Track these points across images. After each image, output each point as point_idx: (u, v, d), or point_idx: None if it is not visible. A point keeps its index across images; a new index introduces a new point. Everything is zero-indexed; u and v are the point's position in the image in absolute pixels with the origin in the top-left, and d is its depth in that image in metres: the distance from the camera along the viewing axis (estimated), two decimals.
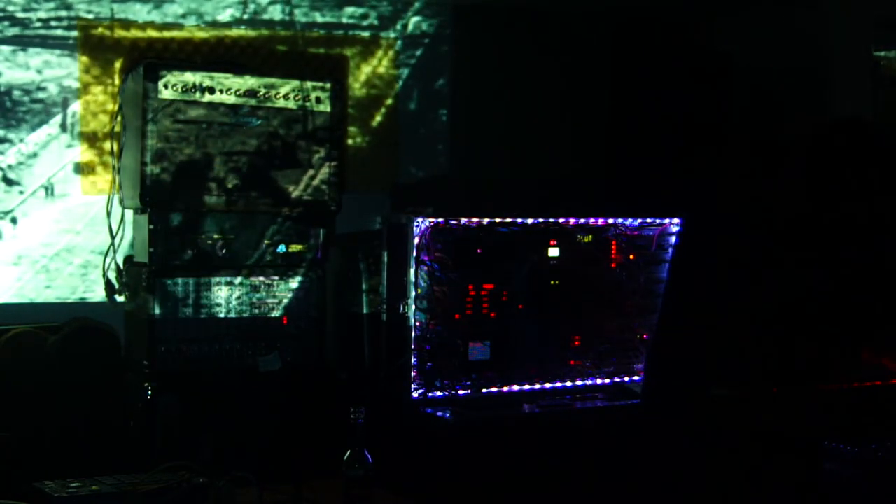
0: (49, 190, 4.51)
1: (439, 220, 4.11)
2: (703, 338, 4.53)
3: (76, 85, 4.52)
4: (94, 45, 4.55)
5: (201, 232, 4.13)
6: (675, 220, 4.57)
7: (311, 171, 4.26)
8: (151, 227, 4.05)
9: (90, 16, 4.54)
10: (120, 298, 4.31)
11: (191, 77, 4.08)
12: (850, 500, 3.87)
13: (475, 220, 4.20)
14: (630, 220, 4.52)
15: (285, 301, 4.23)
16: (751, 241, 4.76)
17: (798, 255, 4.53)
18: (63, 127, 4.51)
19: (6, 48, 4.42)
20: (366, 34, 5.10)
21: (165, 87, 4.03)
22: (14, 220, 4.42)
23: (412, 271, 4.07)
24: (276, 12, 4.90)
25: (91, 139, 4.53)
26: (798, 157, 4.45)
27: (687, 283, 4.57)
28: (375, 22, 5.12)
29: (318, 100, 4.29)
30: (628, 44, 5.40)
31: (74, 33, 4.52)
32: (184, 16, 4.71)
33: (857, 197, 4.28)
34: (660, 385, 4.35)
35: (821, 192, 4.55)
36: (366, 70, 5.11)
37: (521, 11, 5.33)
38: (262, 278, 4.19)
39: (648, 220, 4.55)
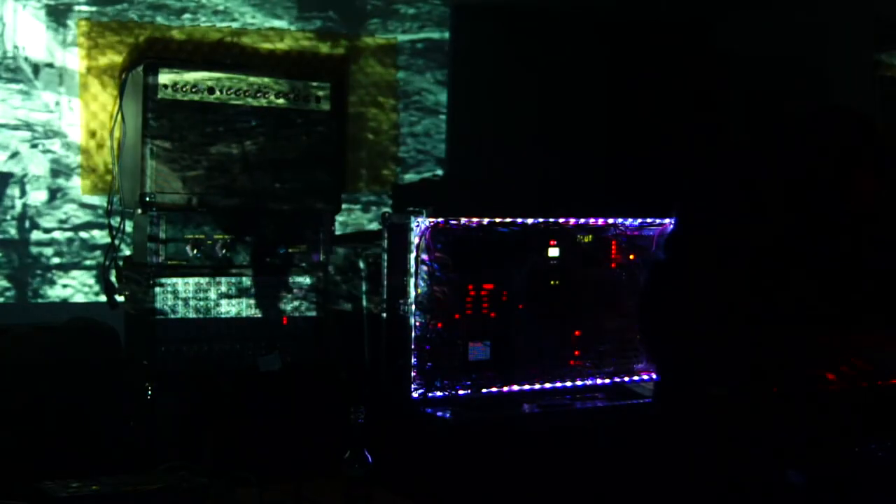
0: (49, 190, 4.52)
1: (439, 220, 4.11)
2: (703, 337, 4.52)
3: (76, 84, 4.52)
4: (95, 45, 4.55)
5: (201, 232, 4.13)
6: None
7: (311, 172, 4.27)
8: (151, 227, 4.06)
9: (90, 15, 4.54)
10: (120, 298, 4.31)
11: (191, 76, 4.08)
12: (851, 500, 3.87)
13: (475, 220, 4.20)
14: (630, 220, 4.52)
15: (285, 301, 4.23)
16: (750, 239, 4.75)
17: (798, 254, 4.52)
18: (63, 127, 4.52)
19: None
20: (367, 35, 5.11)
21: (165, 86, 4.04)
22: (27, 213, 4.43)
23: (412, 271, 4.07)
24: (277, 12, 4.90)
25: (91, 139, 4.53)
26: (793, 153, 4.43)
27: (686, 282, 4.56)
28: (376, 21, 5.12)
29: (318, 100, 4.29)
30: (628, 43, 5.39)
31: (74, 32, 4.52)
32: (184, 15, 4.71)
33: (860, 194, 4.26)
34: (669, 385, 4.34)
35: (819, 189, 4.53)
36: (367, 71, 5.11)
37: (521, 11, 5.33)
38: (262, 278, 4.19)
39: (648, 220, 4.55)
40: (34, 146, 4.48)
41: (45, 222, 4.50)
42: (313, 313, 4.27)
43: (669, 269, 4.35)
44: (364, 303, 4.33)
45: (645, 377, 4.60)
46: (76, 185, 4.53)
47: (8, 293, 4.45)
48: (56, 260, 4.51)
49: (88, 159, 4.53)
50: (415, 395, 4.11)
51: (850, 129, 3.76)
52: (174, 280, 4.06)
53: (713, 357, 4.25)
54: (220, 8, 4.78)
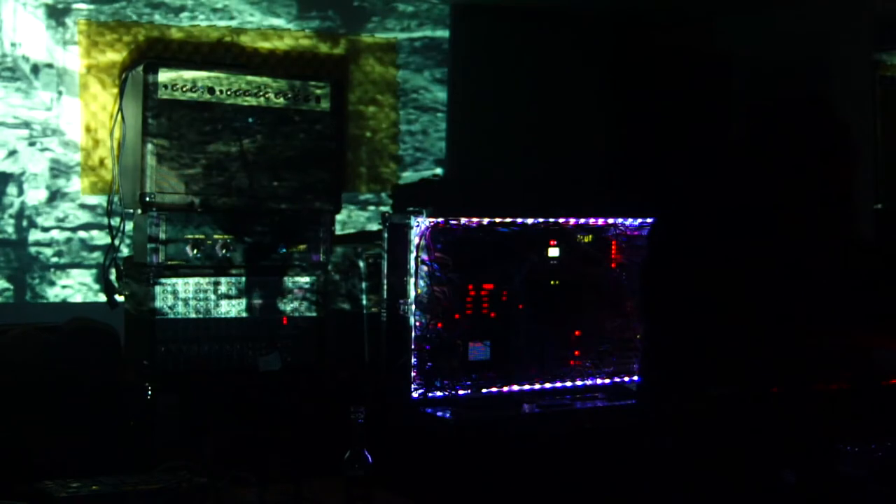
0: (48, 189, 4.51)
1: (439, 220, 4.11)
2: (702, 337, 4.52)
3: (76, 83, 4.51)
4: (94, 44, 4.54)
5: (201, 232, 4.13)
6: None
7: (310, 171, 4.26)
8: (151, 227, 4.05)
9: (89, 14, 4.54)
10: (120, 298, 4.31)
11: (191, 76, 4.08)
12: (850, 500, 3.88)
13: (475, 220, 4.20)
14: (630, 220, 4.52)
15: (285, 301, 4.22)
16: (748, 239, 4.75)
17: (795, 253, 4.53)
18: (62, 126, 4.51)
19: None
20: (366, 34, 5.10)
21: (165, 86, 4.03)
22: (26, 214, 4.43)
23: (412, 271, 4.07)
24: (276, 10, 4.89)
25: (91, 139, 4.53)
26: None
27: (684, 283, 4.56)
28: (376, 20, 5.12)
29: (318, 100, 4.29)
30: (628, 44, 5.39)
31: (73, 32, 4.52)
32: (182, 14, 4.70)
33: (858, 193, 4.27)
34: (656, 385, 4.35)
35: (817, 188, 4.54)
36: (366, 70, 5.11)
37: (521, 11, 5.33)
38: (262, 278, 4.19)
39: (648, 220, 4.55)
40: (32, 144, 4.48)
41: (44, 221, 4.50)
42: (313, 313, 4.26)
43: (668, 269, 4.35)
44: (364, 303, 4.33)
45: None
46: (75, 185, 4.53)
47: (7, 293, 4.45)
48: (55, 259, 4.51)
49: (88, 159, 4.53)
50: (415, 395, 4.11)
51: (839, 129, 3.78)
52: (174, 280, 4.06)
53: (713, 357, 4.26)
54: (219, 6, 4.78)
